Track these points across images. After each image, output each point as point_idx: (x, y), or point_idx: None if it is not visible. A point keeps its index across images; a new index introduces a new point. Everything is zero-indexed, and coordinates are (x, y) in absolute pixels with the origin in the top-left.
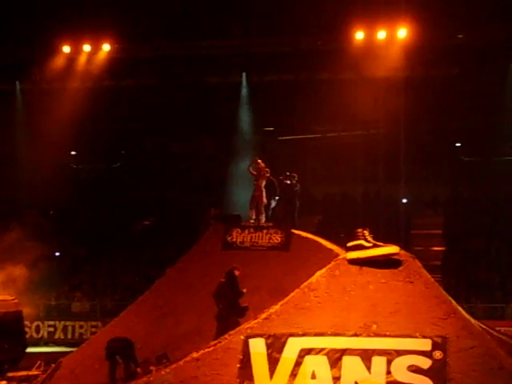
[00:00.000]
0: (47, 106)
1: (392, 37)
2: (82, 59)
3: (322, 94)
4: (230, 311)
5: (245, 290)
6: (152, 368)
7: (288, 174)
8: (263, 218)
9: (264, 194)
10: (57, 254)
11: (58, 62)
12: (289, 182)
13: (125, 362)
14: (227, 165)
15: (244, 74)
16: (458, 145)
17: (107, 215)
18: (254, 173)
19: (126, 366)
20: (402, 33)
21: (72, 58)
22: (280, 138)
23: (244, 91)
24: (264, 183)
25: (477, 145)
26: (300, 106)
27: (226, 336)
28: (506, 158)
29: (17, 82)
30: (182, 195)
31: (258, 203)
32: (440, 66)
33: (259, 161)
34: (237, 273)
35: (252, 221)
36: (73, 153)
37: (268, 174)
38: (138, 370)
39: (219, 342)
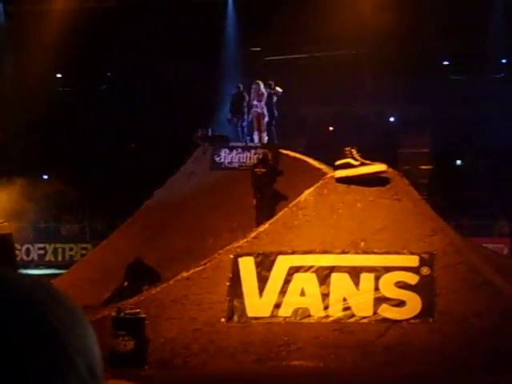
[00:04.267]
0: (31, 28)
1: None
2: None
3: (309, 13)
4: (271, 201)
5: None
6: (144, 287)
7: (258, 81)
8: (265, 137)
9: (265, 111)
10: (44, 176)
11: None
12: (266, 90)
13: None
14: (214, 85)
15: None
16: (445, 63)
17: (94, 138)
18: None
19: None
20: None
21: None
22: (267, 58)
23: (230, 9)
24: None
25: (464, 63)
26: (287, 25)
27: (215, 255)
28: (493, 76)
29: (0, 4)
30: (169, 117)
31: (259, 122)
32: None
33: (259, 81)
34: (269, 156)
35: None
36: (58, 75)
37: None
38: (125, 284)
39: (209, 261)
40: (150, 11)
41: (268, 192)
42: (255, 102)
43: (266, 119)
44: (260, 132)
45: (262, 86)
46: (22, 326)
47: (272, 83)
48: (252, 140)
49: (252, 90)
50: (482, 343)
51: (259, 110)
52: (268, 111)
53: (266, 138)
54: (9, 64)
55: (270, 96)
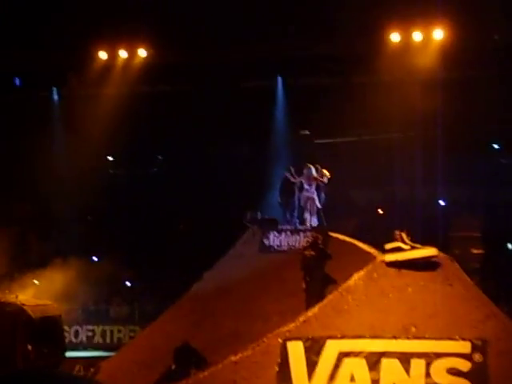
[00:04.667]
0: (84, 112)
1: (428, 38)
2: (119, 65)
3: (358, 97)
4: (321, 284)
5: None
6: (192, 371)
7: (310, 166)
8: (315, 221)
9: (316, 197)
10: (95, 258)
11: (95, 67)
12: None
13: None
14: (264, 169)
15: (279, 78)
16: (495, 146)
17: (145, 220)
18: (293, 179)
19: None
20: (439, 34)
21: (109, 64)
22: (316, 141)
23: (279, 95)
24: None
25: None
26: (336, 109)
27: (264, 339)
28: None
29: (54, 88)
30: (219, 199)
31: (310, 205)
32: (476, 67)
33: (310, 166)
34: (319, 239)
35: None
36: (110, 158)
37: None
38: (173, 367)
39: (257, 345)
40: (200, 95)
41: (318, 275)
42: (306, 186)
43: (317, 203)
44: (310, 215)
45: (313, 170)
46: None
47: (319, 167)
48: (301, 223)
49: (303, 174)
50: None
51: (310, 195)
52: (318, 195)
53: (316, 221)
54: (61, 146)
55: (319, 180)
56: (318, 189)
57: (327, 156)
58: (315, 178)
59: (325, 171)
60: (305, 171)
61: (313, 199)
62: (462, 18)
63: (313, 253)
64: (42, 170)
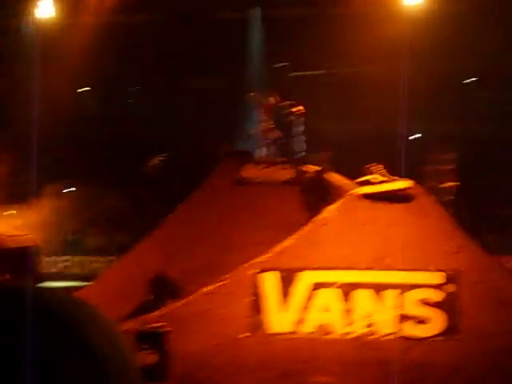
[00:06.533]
0: (59, 41)
1: None
2: None
3: (335, 30)
4: None
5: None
6: (167, 301)
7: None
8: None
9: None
10: (72, 189)
11: None
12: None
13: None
14: (239, 101)
15: (257, 9)
16: (470, 80)
17: (120, 151)
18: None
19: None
20: None
21: None
22: (292, 74)
23: (256, 26)
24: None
25: (490, 81)
26: (312, 42)
27: (239, 270)
28: None
29: (27, 18)
30: (195, 131)
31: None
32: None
33: (272, 98)
34: (323, 179)
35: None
36: (87, 89)
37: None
38: (149, 297)
39: (232, 276)
40: (177, 25)
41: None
42: (264, 117)
43: (275, 134)
44: (265, 146)
45: (271, 101)
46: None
47: (287, 104)
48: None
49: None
50: (507, 362)
51: (267, 125)
52: (282, 127)
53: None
54: (36, 77)
55: (286, 114)
56: (285, 122)
57: (302, 88)
58: (270, 109)
59: (298, 108)
60: (263, 101)
61: (267, 130)
62: None
63: (315, 190)
64: (17, 100)
